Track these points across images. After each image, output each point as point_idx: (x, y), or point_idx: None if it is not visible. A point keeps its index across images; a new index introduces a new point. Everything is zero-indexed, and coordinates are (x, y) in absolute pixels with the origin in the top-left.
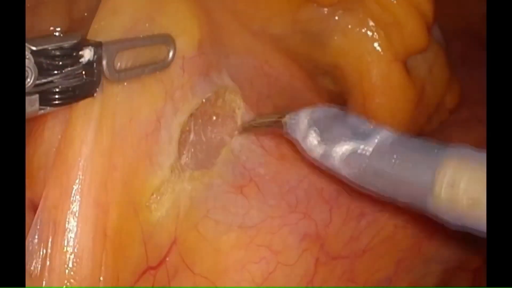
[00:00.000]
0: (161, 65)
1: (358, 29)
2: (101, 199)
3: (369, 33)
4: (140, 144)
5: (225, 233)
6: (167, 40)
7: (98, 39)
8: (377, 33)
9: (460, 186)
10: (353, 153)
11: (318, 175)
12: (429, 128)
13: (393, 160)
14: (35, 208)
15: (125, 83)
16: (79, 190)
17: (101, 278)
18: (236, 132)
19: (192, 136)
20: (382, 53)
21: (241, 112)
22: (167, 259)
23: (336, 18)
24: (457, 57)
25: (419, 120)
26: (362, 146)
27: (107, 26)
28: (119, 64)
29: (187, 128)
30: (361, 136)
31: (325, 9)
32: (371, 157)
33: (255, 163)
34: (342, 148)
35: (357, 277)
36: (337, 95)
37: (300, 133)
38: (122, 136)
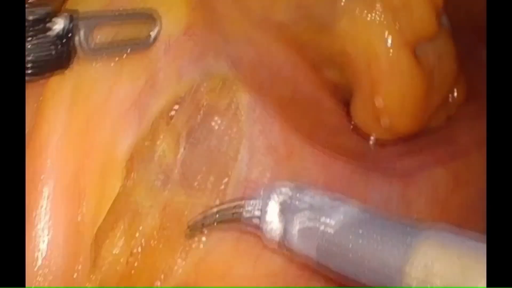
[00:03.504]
0: (144, 44)
1: (365, 13)
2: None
3: (377, 17)
4: (114, 127)
5: None
6: (152, 17)
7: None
8: (386, 17)
9: (434, 268)
10: (312, 226)
11: None
12: (436, 123)
13: (359, 236)
14: None
15: (103, 60)
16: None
17: None
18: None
19: (184, 144)
20: (391, 38)
21: (246, 106)
22: None
23: (343, 2)
24: (464, 52)
25: (427, 111)
26: (323, 219)
27: None
28: (98, 37)
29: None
30: (322, 209)
31: None
32: (334, 230)
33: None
34: (301, 222)
35: None
36: (343, 87)
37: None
38: (97, 117)
